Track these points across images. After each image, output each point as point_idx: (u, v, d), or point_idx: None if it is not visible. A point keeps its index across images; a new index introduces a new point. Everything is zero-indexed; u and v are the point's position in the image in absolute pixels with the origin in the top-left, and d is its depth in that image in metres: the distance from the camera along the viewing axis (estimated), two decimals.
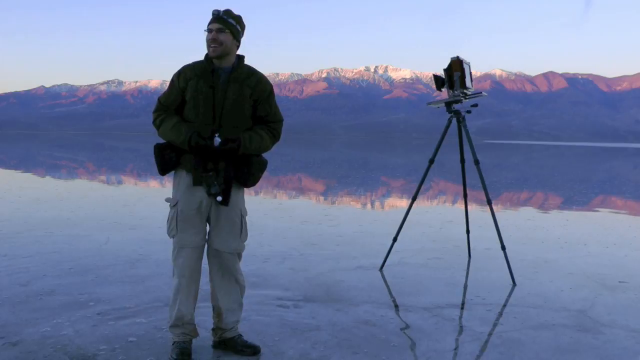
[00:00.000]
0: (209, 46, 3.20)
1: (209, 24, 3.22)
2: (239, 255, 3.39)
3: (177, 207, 3.24)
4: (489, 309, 4.37)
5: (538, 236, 7.69)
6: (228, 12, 3.23)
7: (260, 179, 3.37)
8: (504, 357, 3.42)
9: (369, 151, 51.09)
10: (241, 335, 3.44)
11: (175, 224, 3.25)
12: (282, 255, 6.01)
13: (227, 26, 3.20)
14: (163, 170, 3.28)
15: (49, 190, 12.46)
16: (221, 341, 3.41)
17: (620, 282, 5.27)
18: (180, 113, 3.30)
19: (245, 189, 3.38)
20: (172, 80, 3.31)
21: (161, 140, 3.31)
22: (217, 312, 3.40)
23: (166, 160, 3.24)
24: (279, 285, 4.82)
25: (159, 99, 3.34)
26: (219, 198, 3.16)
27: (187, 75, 3.25)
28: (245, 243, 3.39)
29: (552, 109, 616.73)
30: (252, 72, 3.34)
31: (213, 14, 3.20)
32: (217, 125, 3.20)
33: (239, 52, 3.33)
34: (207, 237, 3.34)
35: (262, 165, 3.33)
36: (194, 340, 3.37)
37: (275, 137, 3.39)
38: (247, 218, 3.41)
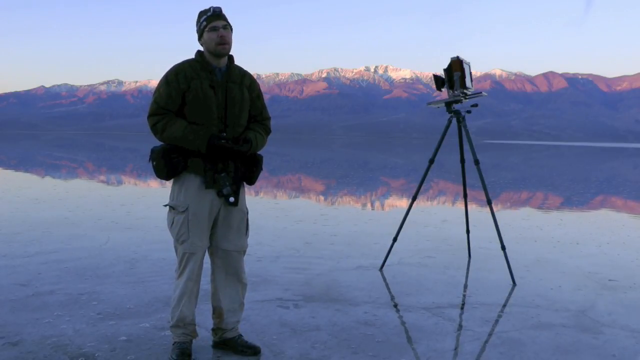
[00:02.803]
0: (217, 44, 3.12)
1: (210, 21, 3.13)
2: (244, 256, 3.41)
3: (188, 211, 3.16)
4: (489, 309, 4.37)
5: (538, 236, 7.70)
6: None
7: (261, 179, 3.40)
8: (504, 357, 3.42)
9: (369, 151, 51.08)
10: (241, 335, 3.44)
11: (187, 230, 3.17)
12: (282, 255, 6.01)
13: (229, 23, 3.20)
14: (170, 174, 3.16)
15: (48, 190, 12.46)
16: (221, 341, 3.41)
17: (610, 280, 5.27)
18: (179, 115, 3.18)
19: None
20: (169, 81, 3.14)
21: (161, 145, 3.20)
22: (218, 313, 3.39)
23: (174, 164, 3.13)
24: (278, 285, 4.82)
25: (155, 102, 3.16)
26: (232, 199, 3.15)
27: (187, 75, 3.14)
28: (247, 241, 3.42)
29: (552, 109, 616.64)
30: (244, 72, 3.36)
31: (214, 11, 3.14)
32: (224, 125, 3.18)
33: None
34: (210, 238, 3.32)
35: (262, 163, 3.40)
36: (194, 341, 3.37)
37: (268, 134, 3.48)
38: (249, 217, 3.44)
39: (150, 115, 3.19)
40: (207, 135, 3.11)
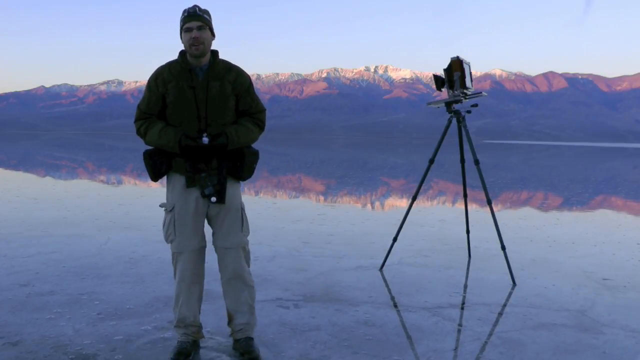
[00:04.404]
0: (190, 45, 3.13)
1: (185, 22, 3.14)
2: (245, 253, 3.33)
3: (174, 211, 3.21)
4: (489, 309, 4.37)
5: (538, 236, 7.70)
6: (200, 8, 3.18)
7: (260, 179, 3.36)
8: (504, 357, 3.42)
9: (369, 151, 51.08)
10: (250, 338, 3.33)
11: (173, 229, 3.22)
12: (281, 255, 6.01)
13: (205, 23, 3.15)
14: (156, 176, 3.23)
15: (48, 190, 12.46)
16: (233, 342, 3.38)
17: (609, 279, 5.27)
18: (162, 117, 3.24)
19: (241, 183, 3.37)
20: (150, 86, 3.22)
21: (149, 147, 3.26)
22: (228, 313, 3.36)
23: (157, 166, 3.20)
24: (278, 285, 4.82)
25: (138, 107, 3.26)
26: (214, 199, 3.13)
27: (165, 78, 3.18)
28: (247, 238, 3.36)
29: (552, 109, 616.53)
30: (230, 67, 3.28)
31: (189, 12, 3.13)
32: (204, 124, 3.16)
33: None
34: (210, 237, 3.33)
35: (255, 157, 3.30)
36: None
37: (260, 127, 3.36)
38: (247, 215, 3.39)
39: (135, 120, 3.29)
40: (178, 136, 3.13)
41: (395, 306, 4.40)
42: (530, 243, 7.12)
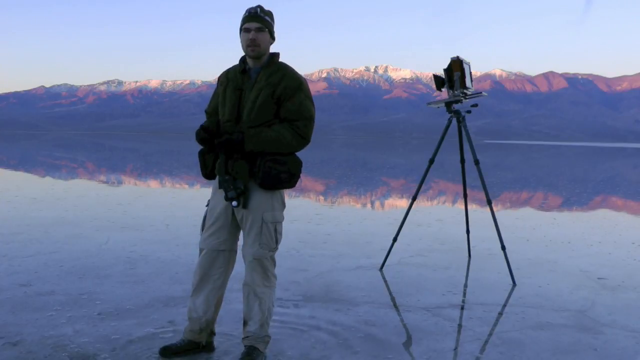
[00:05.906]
0: (247, 46, 3.10)
1: (245, 22, 3.10)
2: (262, 267, 3.18)
3: (208, 207, 3.28)
4: (489, 309, 4.37)
5: (537, 236, 7.70)
6: (262, 9, 3.14)
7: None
8: (504, 357, 3.42)
9: (369, 151, 51.07)
10: (254, 348, 3.19)
11: (202, 224, 3.29)
12: (281, 255, 5.97)
13: (265, 25, 3.10)
14: (203, 172, 3.28)
15: (47, 190, 12.46)
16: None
17: (609, 279, 5.28)
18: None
19: (280, 194, 3.21)
20: (216, 87, 3.39)
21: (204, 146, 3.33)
22: (243, 319, 3.30)
23: (205, 164, 3.26)
24: (278, 285, 4.77)
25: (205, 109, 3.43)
26: (234, 203, 3.07)
27: (221, 81, 3.29)
28: (267, 252, 3.17)
29: (552, 109, 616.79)
30: (278, 69, 3.15)
31: (250, 11, 3.10)
32: (239, 126, 3.14)
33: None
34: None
35: (280, 165, 3.08)
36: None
37: (300, 135, 3.12)
38: (276, 225, 3.18)
39: None
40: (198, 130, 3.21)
41: (395, 306, 4.41)
42: (527, 243, 7.12)
